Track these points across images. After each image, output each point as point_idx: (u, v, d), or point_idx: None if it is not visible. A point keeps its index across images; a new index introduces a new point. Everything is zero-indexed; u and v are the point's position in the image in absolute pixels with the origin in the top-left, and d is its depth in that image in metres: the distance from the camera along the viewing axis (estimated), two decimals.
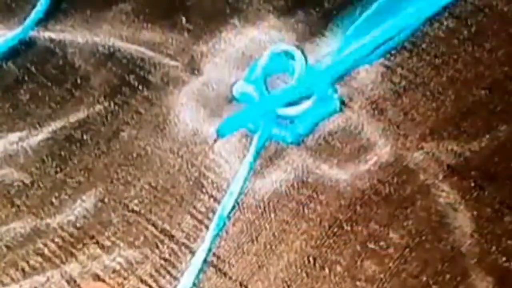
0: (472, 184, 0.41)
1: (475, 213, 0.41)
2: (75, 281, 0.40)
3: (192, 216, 0.41)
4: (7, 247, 0.41)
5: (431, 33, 0.46)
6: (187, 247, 0.41)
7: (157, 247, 0.41)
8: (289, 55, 0.44)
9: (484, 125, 0.43)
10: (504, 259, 0.40)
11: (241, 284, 0.40)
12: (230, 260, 0.40)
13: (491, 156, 0.42)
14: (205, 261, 0.40)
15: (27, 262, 0.40)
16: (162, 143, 0.44)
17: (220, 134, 0.43)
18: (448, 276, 0.39)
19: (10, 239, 0.41)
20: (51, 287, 0.40)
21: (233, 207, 0.41)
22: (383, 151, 0.43)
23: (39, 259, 0.40)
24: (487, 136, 0.43)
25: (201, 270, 0.40)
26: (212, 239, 0.40)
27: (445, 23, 0.46)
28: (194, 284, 0.39)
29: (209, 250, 0.40)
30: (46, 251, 0.41)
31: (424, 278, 0.39)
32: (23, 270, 0.40)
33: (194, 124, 0.44)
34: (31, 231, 0.41)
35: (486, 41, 0.45)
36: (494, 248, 0.40)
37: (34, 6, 0.46)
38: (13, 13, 0.47)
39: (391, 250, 0.40)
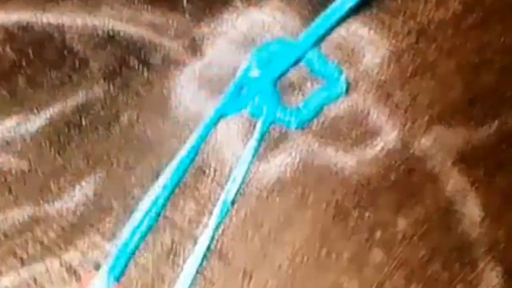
0: (482, 171, 0.41)
1: (484, 201, 0.40)
2: (75, 271, 0.39)
3: (195, 202, 0.41)
4: (5, 235, 0.40)
5: (438, 17, 0.45)
6: (190, 234, 0.40)
7: (160, 234, 0.40)
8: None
9: (492, 111, 0.42)
10: None
11: (245, 272, 0.40)
12: (234, 247, 0.40)
13: (500, 142, 0.42)
14: (208, 248, 0.39)
15: (26, 251, 0.40)
16: (163, 126, 0.43)
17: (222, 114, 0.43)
18: (456, 265, 0.39)
19: (8, 227, 0.40)
20: (51, 276, 0.39)
21: (237, 193, 0.41)
22: (390, 136, 0.42)
23: (38, 247, 0.40)
24: (496, 122, 0.42)
25: (204, 258, 0.39)
26: (216, 226, 0.40)
27: (451, 7, 0.45)
28: (197, 272, 0.39)
29: (212, 237, 0.40)
30: (45, 239, 0.40)
31: (432, 267, 0.39)
32: (21, 258, 0.40)
33: (195, 106, 0.43)
34: (29, 219, 0.40)
35: (495, 26, 0.44)
36: (503, 237, 0.40)
37: None
38: None
39: (398, 238, 0.40)
